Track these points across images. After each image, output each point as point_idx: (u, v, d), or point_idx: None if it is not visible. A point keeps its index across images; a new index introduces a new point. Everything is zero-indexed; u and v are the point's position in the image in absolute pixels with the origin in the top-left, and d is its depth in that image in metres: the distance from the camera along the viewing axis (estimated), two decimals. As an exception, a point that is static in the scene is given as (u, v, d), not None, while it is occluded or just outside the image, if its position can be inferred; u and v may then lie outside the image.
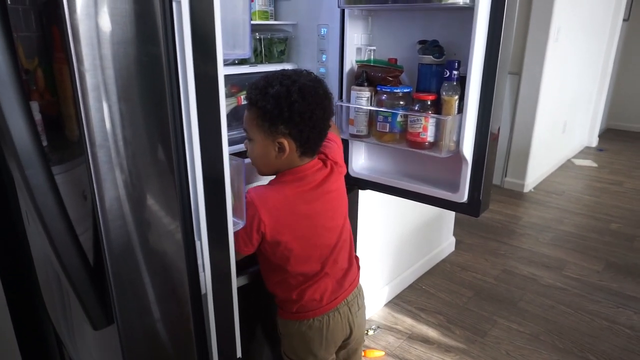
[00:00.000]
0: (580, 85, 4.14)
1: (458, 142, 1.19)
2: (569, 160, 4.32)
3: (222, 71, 0.58)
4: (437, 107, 1.22)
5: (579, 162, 4.29)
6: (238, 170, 0.73)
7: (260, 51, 1.50)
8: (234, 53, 0.77)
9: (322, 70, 1.50)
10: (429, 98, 1.20)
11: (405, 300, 2.15)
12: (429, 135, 1.21)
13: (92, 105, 0.49)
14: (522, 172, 3.51)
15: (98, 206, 0.50)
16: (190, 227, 0.60)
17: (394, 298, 2.16)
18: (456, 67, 1.16)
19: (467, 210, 1.28)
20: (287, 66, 1.56)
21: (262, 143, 0.98)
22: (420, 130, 1.21)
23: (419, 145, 1.23)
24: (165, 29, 0.52)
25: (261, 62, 1.50)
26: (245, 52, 0.70)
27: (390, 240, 2.04)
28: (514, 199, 3.40)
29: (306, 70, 1.02)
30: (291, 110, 0.93)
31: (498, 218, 3.04)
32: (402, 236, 2.12)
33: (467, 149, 1.19)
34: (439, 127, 1.20)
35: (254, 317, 1.20)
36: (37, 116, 0.61)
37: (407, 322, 2.00)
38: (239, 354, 0.74)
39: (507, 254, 2.58)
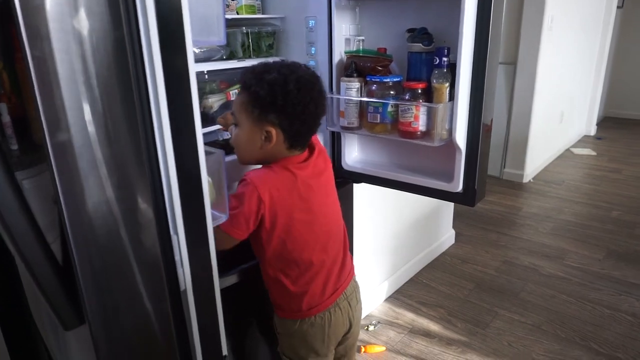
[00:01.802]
0: (576, 74, 4.11)
1: (451, 131, 1.17)
2: (567, 150, 4.30)
3: (192, 56, 0.55)
4: (428, 96, 1.19)
5: (578, 151, 4.27)
6: (218, 161, 0.71)
7: (248, 45, 1.48)
8: (209, 40, 0.75)
9: (311, 62, 1.48)
10: (419, 86, 1.18)
11: (406, 294, 2.13)
12: (421, 125, 1.19)
13: (53, 95, 0.47)
14: (520, 163, 3.48)
15: (62, 200, 0.48)
16: (165, 221, 0.58)
17: (394, 293, 2.13)
18: (446, 54, 1.14)
19: (463, 200, 1.26)
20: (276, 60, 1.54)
21: (248, 129, 0.96)
22: (412, 119, 1.19)
23: (411, 135, 1.21)
24: (128, 11, 0.49)
25: (249, 57, 1.48)
26: (221, 39, 0.68)
27: (388, 234, 2.02)
28: (514, 190, 3.37)
29: (305, 65, 1.00)
30: (285, 99, 0.91)
31: (498, 209, 3.02)
32: (401, 230, 2.09)
33: (460, 137, 1.16)
34: (430, 115, 1.18)
35: (247, 315, 1.18)
36: (6, 118, 0.59)
37: (407, 317, 1.97)
38: (224, 352, 0.71)
39: (508, 245, 2.56)
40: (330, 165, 1.10)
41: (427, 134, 1.21)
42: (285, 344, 1.12)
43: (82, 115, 0.47)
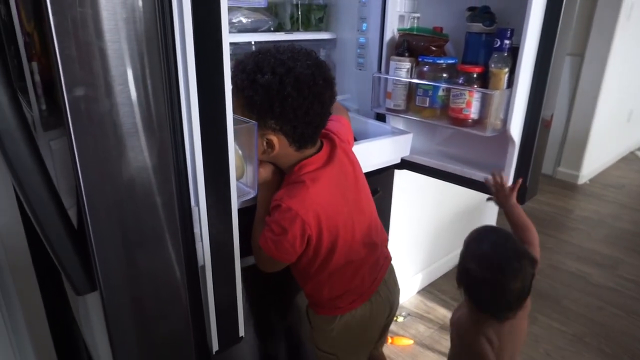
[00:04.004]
0: (652, 71, 3.77)
1: (505, 121, 1.08)
2: (632, 153, 3.98)
3: (226, 11, 0.51)
4: (484, 81, 1.10)
5: (644, 154, 3.95)
6: (250, 132, 0.67)
7: (297, 18, 1.42)
8: (252, 1, 0.70)
9: (361, 40, 1.41)
10: (476, 70, 1.09)
11: (440, 289, 2.05)
12: (473, 112, 1.10)
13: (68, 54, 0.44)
14: (577, 162, 3.26)
15: (77, 162, 0.45)
16: (186, 191, 0.55)
17: (427, 286, 2.07)
18: (508, 36, 1.04)
19: (511, 196, 1.17)
20: (325, 35, 1.48)
21: None
22: (464, 105, 1.10)
23: (462, 122, 1.13)
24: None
25: (297, 30, 1.43)
26: (261, 1, 0.63)
27: (426, 225, 1.94)
28: (567, 191, 3.17)
29: (305, 49, 0.86)
30: (283, 106, 0.79)
31: (547, 210, 2.85)
32: (440, 222, 2.01)
33: (515, 128, 1.07)
34: (484, 102, 1.09)
35: (271, 294, 1.15)
36: (37, 78, 0.58)
37: (440, 312, 1.91)
38: (241, 333, 0.69)
39: (555, 248, 2.41)
40: (354, 156, 1.01)
41: (479, 122, 1.12)
42: (321, 339, 1.06)
43: (95, 81, 0.44)
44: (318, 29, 1.47)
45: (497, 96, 1.06)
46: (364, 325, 1.02)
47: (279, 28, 1.43)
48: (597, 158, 3.41)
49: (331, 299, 0.98)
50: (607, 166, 3.63)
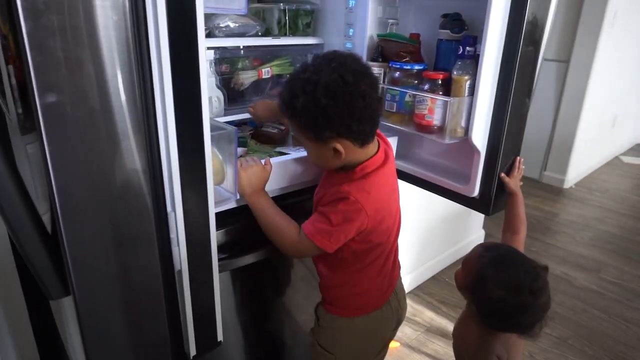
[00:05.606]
0: (636, 77, 3.83)
1: (468, 129, 1.08)
2: (616, 157, 4.05)
3: (202, 20, 0.51)
4: (449, 88, 1.11)
5: (628, 159, 4.01)
6: (229, 138, 0.67)
7: (285, 23, 1.43)
8: (230, 8, 0.71)
9: (348, 45, 1.42)
10: (439, 77, 1.09)
11: (427, 292, 2.07)
12: (436, 118, 1.10)
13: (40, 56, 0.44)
14: (563, 167, 3.30)
15: (49, 165, 0.45)
16: (162, 196, 0.55)
17: (414, 289, 2.08)
18: (471, 43, 1.05)
19: (478, 207, 1.15)
20: (312, 40, 1.49)
21: (315, 149, 0.91)
22: (426, 112, 1.10)
23: (425, 128, 1.13)
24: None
25: (285, 35, 1.43)
26: (241, 8, 0.64)
27: (414, 228, 1.96)
28: (553, 195, 3.21)
29: (324, 56, 0.87)
30: (326, 116, 0.82)
31: (533, 213, 2.88)
32: (428, 225, 2.03)
33: (478, 137, 1.05)
34: (445, 109, 1.09)
35: (259, 294, 1.15)
36: (13, 81, 0.58)
37: (426, 315, 1.92)
38: (220, 338, 0.69)
39: (540, 252, 2.44)
40: (393, 156, 1.04)
41: (442, 129, 1.12)
42: (325, 337, 1.07)
43: (68, 84, 0.44)
44: (305, 34, 1.47)
45: (455, 103, 1.05)
46: (371, 333, 1.05)
47: (266, 33, 1.44)
48: (582, 162, 3.46)
49: (350, 295, 1.01)
50: (593, 170, 3.69)
